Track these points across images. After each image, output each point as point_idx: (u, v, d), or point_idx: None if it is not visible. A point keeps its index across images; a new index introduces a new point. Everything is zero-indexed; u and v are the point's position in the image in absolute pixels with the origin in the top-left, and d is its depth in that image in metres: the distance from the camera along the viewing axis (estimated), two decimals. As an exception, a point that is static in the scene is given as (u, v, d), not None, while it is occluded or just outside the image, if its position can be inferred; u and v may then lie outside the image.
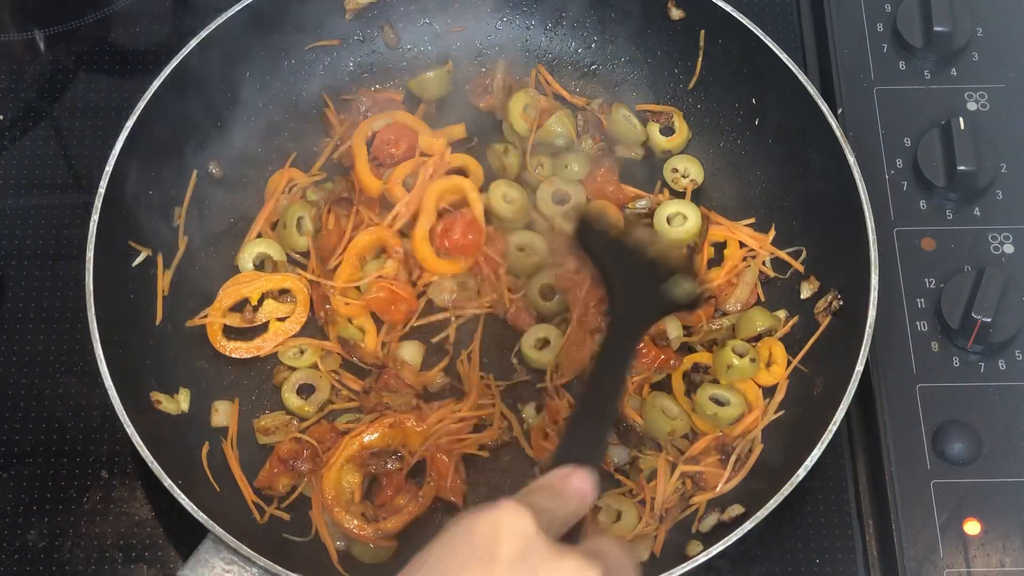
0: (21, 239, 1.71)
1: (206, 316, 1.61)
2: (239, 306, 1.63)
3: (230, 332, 1.62)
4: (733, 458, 1.53)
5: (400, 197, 1.65)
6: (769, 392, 1.58)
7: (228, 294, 1.63)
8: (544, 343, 1.61)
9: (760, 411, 1.57)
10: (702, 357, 1.61)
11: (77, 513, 1.56)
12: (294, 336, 1.62)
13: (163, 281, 1.62)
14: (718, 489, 1.52)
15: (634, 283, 1.40)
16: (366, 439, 1.53)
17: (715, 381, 1.58)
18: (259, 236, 1.67)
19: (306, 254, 1.66)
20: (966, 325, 1.56)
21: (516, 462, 1.57)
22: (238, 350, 1.61)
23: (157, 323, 1.60)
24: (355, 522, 1.49)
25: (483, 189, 1.69)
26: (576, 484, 1.11)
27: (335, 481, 1.51)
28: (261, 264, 1.65)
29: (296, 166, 1.72)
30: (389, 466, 1.52)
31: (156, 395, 1.53)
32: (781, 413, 1.56)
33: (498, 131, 1.75)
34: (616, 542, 1.11)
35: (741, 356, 1.57)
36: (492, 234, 1.66)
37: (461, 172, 1.69)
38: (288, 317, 1.63)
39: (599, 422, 1.22)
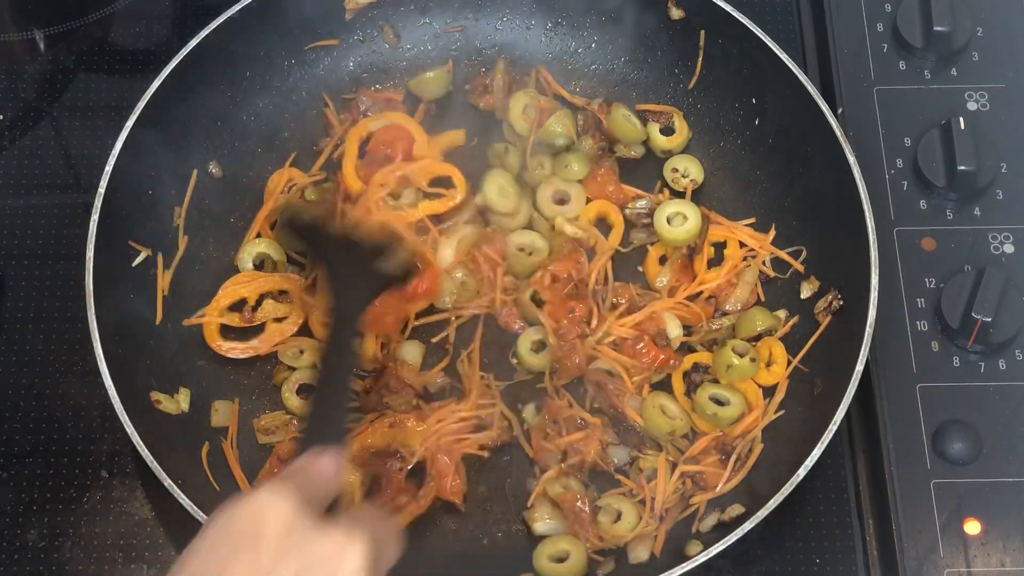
0: (21, 239, 1.71)
1: (203, 315, 1.61)
2: (238, 306, 1.63)
3: (228, 332, 1.62)
4: (733, 458, 1.53)
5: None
6: (769, 392, 1.58)
7: (226, 294, 1.63)
8: (539, 346, 1.61)
9: (760, 411, 1.57)
10: (702, 357, 1.61)
11: (77, 513, 1.56)
12: (293, 336, 1.62)
13: (163, 281, 1.62)
14: (718, 489, 1.52)
15: (346, 265, 1.46)
16: (367, 440, 1.53)
17: (715, 381, 1.58)
18: (259, 236, 1.67)
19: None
20: (966, 325, 1.56)
21: (516, 462, 1.58)
22: (234, 350, 1.61)
23: (157, 323, 1.60)
24: None
25: (481, 190, 1.69)
26: (325, 463, 1.15)
27: None
28: (261, 264, 1.66)
29: (296, 166, 1.73)
30: (389, 467, 1.52)
31: (156, 395, 1.53)
32: (781, 413, 1.56)
33: (498, 131, 1.75)
34: (377, 511, 1.14)
35: (741, 356, 1.57)
36: (492, 234, 1.66)
37: (446, 181, 1.69)
38: (286, 317, 1.63)
39: (336, 404, 1.29)
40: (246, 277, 1.64)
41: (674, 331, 1.61)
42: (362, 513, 1.13)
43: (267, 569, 0.99)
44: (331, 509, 1.14)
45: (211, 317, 1.61)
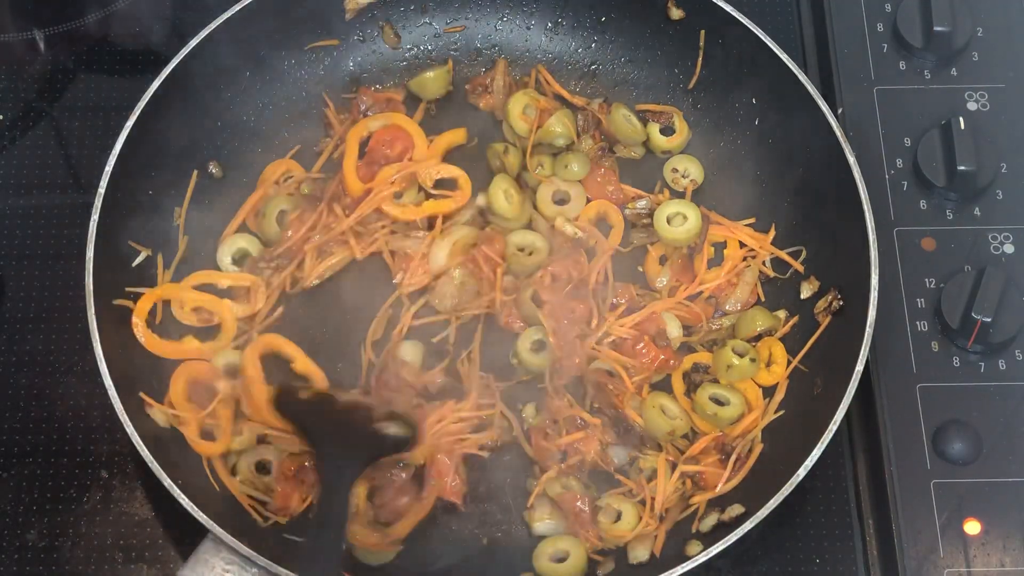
0: (21, 239, 1.71)
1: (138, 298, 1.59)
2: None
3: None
4: (733, 458, 1.53)
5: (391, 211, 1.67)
6: (769, 392, 1.58)
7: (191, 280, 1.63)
8: (539, 346, 1.61)
9: (760, 411, 1.57)
10: (702, 357, 1.61)
11: (77, 513, 1.56)
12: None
13: (163, 280, 1.62)
14: (718, 489, 1.52)
15: (339, 436, 1.50)
16: None
17: (715, 381, 1.58)
18: (241, 228, 1.67)
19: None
20: (966, 325, 1.56)
21: (516, 462, 1.57)
22: (158, 346, 1.58)
23: (157, 323, 1.60)
24: (363, 532, 1.49)
25: (480, 190, 1.69)
26: None
27: None
28: (241, 259, 1.65)
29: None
30: (393, 478, 1.52)
31: (148, 400, 1.52)
32: (781, 413, 1.56)
33: (498, 131, 1.75)
34: None
35: (741, 356, 1.57)
36: (490, 234, 1.66)
37: (451, 183, 1.70)
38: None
39: (330, 547, 1.39)
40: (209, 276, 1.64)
41: (674, 331, 1.61)
42: None
43: None
44: None
45: (142, 304, 1.59)
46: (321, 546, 1.38)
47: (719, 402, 1.56)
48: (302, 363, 1.60)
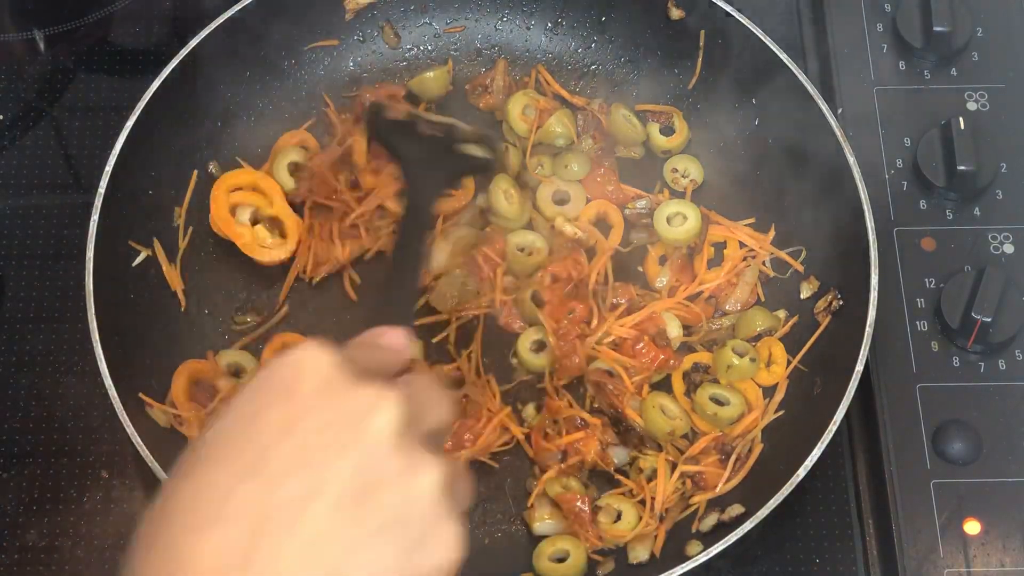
0: (21, 239, 1.71)
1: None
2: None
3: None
4: (733, 458, 1.53)
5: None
6: (769, 392, 1.58)
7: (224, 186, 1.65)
8: (539, 346, 1.61)
9: (760, 411, 1.56)
10: (702, 357, 1.61)
11: (77, 513, 1.56)
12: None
13: (173, 275, 1.62)
14: (718, 489, 1.52)
15: (424, 156, 1.55)
16: None
17: (715, 381, 1.58)
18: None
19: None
20: (966, 325, 1.56)
21: (516, 462, 1.57)
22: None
23: (183, 309, 1.61)
24: None
25: (481, 190, 1.69)
26: (389, 338, 1.16)
27: None
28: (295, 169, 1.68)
29: (296, 165, 1.73)
30: None
31: (148, 400, 1.52)
32: (781, 413, 1.56)
33: (498, 131, 1.75)
34: (429, 377, 1.14)
35: (741, 356, 1.57)
36: (490, 235, 1.66)
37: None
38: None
39: (407, 289, 1.33)
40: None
41: (674, 331, 1.61)
42: (414, 377, 1.12)
43: (297, 418, 0.99)
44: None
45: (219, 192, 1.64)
46: (397, 282, 1.33)
47: (719, 402, 1.56)
48: None
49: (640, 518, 1.52)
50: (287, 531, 0.94)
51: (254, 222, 1.65)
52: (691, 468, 1.53)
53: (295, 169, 1.68)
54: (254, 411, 1.01)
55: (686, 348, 1.62)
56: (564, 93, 1.76)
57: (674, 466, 1.54)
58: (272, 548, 0.93)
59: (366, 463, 0.98)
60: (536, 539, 1.52)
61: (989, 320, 1.55)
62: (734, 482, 1.52)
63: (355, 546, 0.96)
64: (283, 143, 1.71)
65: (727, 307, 1.64)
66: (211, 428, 1.03)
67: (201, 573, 0.93)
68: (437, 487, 1.00)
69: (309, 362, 1.02)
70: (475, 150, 1.59)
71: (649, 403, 1.56)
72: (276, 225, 1.66)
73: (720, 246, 1.67)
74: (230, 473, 0.97)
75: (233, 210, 1.64)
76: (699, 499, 1.52)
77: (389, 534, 0.97)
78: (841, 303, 1.58)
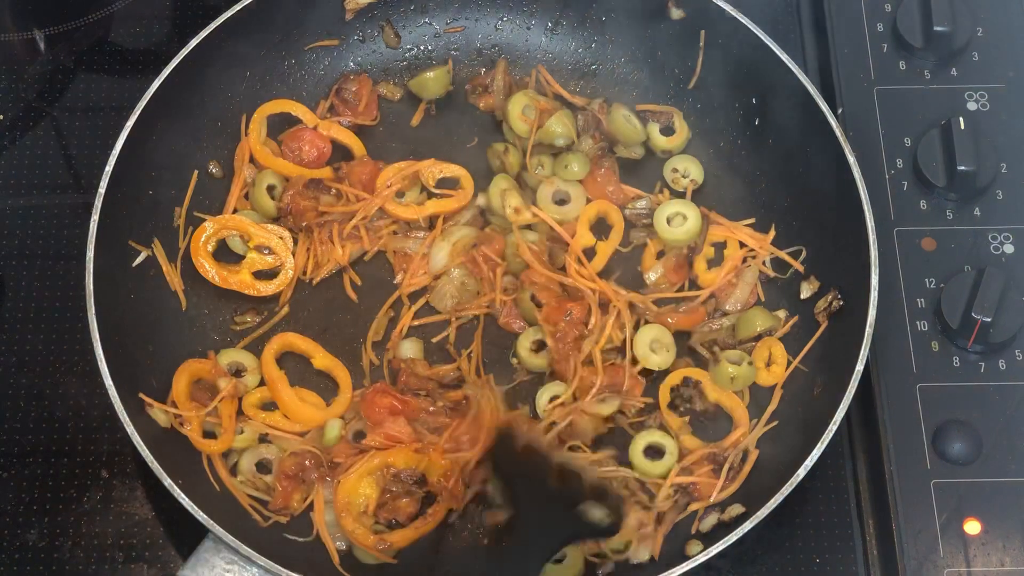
0: (21, 239, 1.71)
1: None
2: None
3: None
4: (726, 468, 1.52)
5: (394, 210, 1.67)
6: (764, 400, 1.58)
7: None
8: (539, 346, 1.61)
9: (746, 427, 1.56)
10: (692, 372, 1.59)
11: (77, 513, 1.56)
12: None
13: (173, 275, 1.62)
14: (712, 498, 1.51)
15: (543, 502, 1.39)
16: (390, 458, 1.52)
17: (692, 409, 1.58)
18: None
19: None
20: (966, 325, 1.56)
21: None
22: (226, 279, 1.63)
23: (183, 309, 1.61)
24: (361, 531, 1.49)
25: (481, 190, 1.69)
26: None
27: (351, 489, 1.50)
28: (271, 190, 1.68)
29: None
30: (405, 491, 1.52)
31: (149, 400, 1.52)
32: (775, 423, 1.56)
33: (498, 131, 1.75)
34: None
35: (739, 364, 1.57)
36: (492, 234, 1.66)
37: (453, 182, 1.70)
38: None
39: None
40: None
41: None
42: None
43: None
44: None
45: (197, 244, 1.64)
46: None
47: (658, 452, 1.55)
48: (322, 359, 1.60)
49: (639, 521, 1.51)
50: None
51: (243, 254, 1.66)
52: (684, 479, 1.53)
53: (272, 191, 1.68)
54: None
55: (686, 349, 1.62)
56: (564, 93, 1.76)
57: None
58: None
59: None
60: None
61: (989, 320, 1.55)
62: (728, 491, 1.52)
63: None
64: (261, 114, 1.71)
65: (727, 307, 1.64)
66: None
67: None
68: None
69: None
70: (597, 512, 1.39)
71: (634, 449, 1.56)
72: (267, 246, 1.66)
73: (720, 246, 1.67)
74: None
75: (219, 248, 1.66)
76: (696, 506, 1.52)
77: None
78: (841, 303, 1.58)
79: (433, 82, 1.76)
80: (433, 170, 1.70)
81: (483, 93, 1.76)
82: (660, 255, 1.67)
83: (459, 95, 1.78)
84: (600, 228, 1.69)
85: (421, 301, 1.64)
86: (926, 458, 1.53)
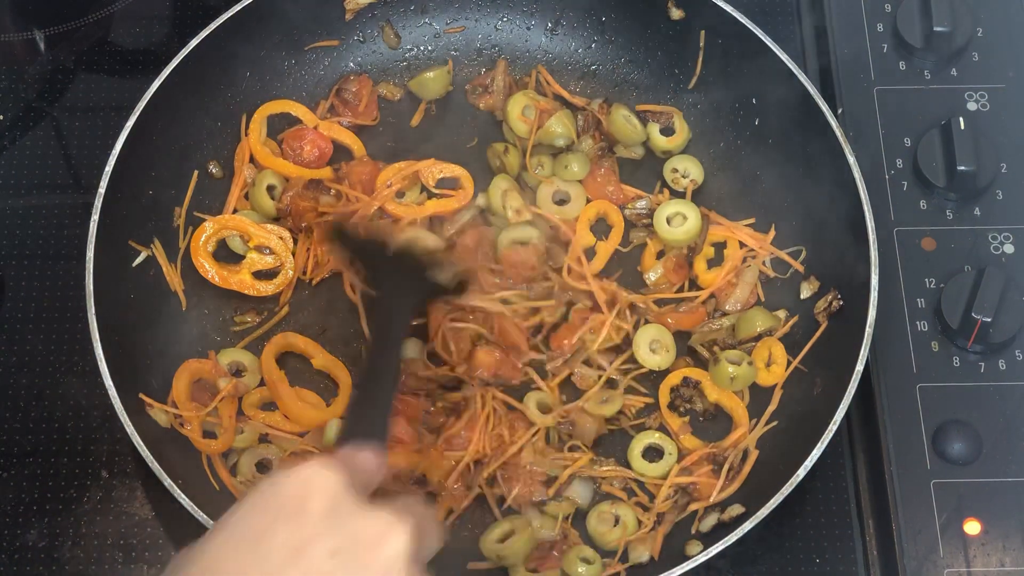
0: (21, 239, 1.71)
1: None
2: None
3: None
4: (726, 468, 1.52)
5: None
6: (764, 401, 1.57)
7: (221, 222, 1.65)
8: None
9: (745, 428, 1.56)
10: (692, 372, 1.59)
11: (77, 513, 1.56)
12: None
13: (173, 275, 1.62)
14: (712, 499, 1.51)
15: (393, 272, 1.48)
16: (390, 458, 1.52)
17: (693, 409, 1.58)
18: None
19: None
20: (966, 325, 1.56)
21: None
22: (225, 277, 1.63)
23: (183, 309, 1.61)
24: None
25: (481, 190, 1.69)
26: (365, 458, 1.15)
27: None
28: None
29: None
30: (405, 491, 1.52)
31: (149, 400, 1.52)
32: (775, 423, 1.56)
33: (498, 131, 1.75)
34: (422, 502, 1.12)
35: (738, 364, 1.57)
36: (489, 233, 1.66)
37: (453, 182, 1.70)
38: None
39: (378, 403, 1.29)
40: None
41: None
42: (407, 500, 1.10)
43: (308, 541, 0.97)
44: (374, 496, 1.12)
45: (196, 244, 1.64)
46: (370, 398, 1.30)
47: (658, 453, 1.56)
48: (322, 359, 1.60)
49: (638, 522, 1.52)
50: None
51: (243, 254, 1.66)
52: (683, 480, 1.53)
53: (272, 191, 1.68)
54: (260, 529, 0.98)
55: (686, 349, 1.62)
56: (564, 93, 1.76)
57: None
58: None
59: None
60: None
61: (989, 320, 1.55)
62: (729, 491, 1.52)
63: None
64: (261, 114, 1.71)
65: (727, 307, 1.64)
66: (209, 540, 0.99)
67: None
68: None
69: (318, 481, 1.00)
70: (444, 273, 1.51)
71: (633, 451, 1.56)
72: (266, 246, 1.66)
73: (720, 246, 1.67)
74: None
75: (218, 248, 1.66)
76: (696, 506, 1.52)
77: None
78: (841, 303, 1.58)
79: (433, 82, 1.76)
80: (433, 170, 1.70)
81: (483, 93, 1.76)
82: (660, 255, 1.67)
83: (459, 95, 1.78)
84: (600, 228, 1.69)
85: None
86: (926, 458, 1.53)
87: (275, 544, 0.97)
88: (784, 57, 1.64)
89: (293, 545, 0.96)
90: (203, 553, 0.98)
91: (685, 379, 1.59)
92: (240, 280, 1.63)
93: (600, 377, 1.58)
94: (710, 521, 1.50)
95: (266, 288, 1.64)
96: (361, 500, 1.02)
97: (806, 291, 1.62)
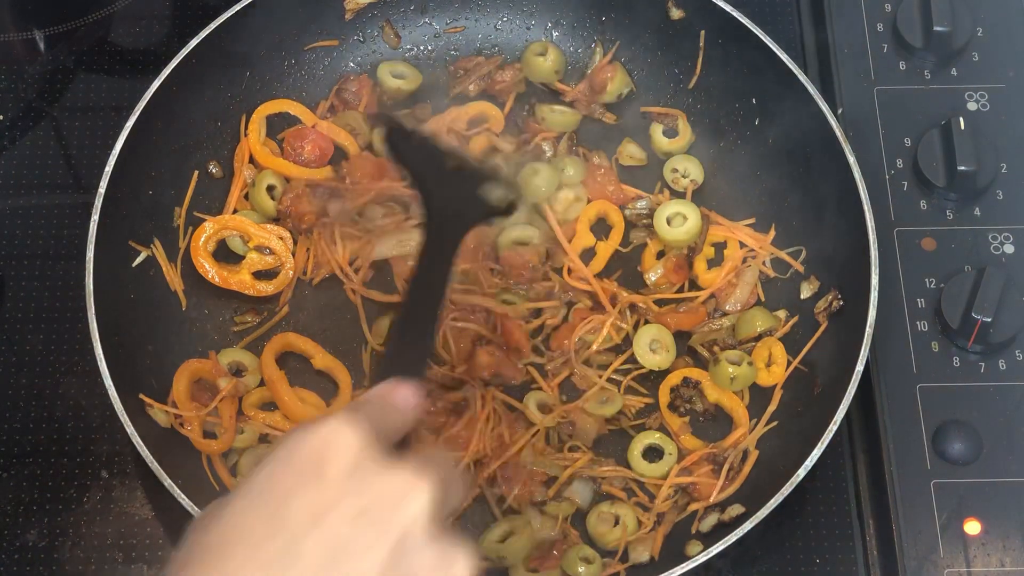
0: (21, 239, 1.71)
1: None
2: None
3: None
4: (726, 468, 1.52)
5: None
6: (763, 402, 1.57)
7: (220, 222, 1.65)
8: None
9: (745, 428, 1.56)
10: (692, 372, 1.59)
11: (77, 513, 1.56)
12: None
13: (173, 275, 1.62)
14: (712, 499, 1.52)
15: (446, 189, 1.38)
16: None
17: (692, 409, 1.58)
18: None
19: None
20: (966, 325, 1.56)
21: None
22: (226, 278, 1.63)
23: (183, 309, 1.61)
24: None
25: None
26: (402, 396, 1.10)
27: None
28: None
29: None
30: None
31: (148, 400, 1.52)
32: (774, 424, 1.56)
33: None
34: (446, 455, 1.09)
35: (738, 364, 1.57)
36: (489, 233, 1.66)
37: (480, 119, 1.72)
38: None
39: (421, 335, 1.21)
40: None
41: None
42: (432, 453, 1.08)
43: (328, 505, 0.95)
44: (401, 445, 1.09)
45: (196, 243, 1.64)
46: (412, 330, 1.21)
47: (658, 453, 1.55)
48: (322, 359, 1.60)
49: (638, 522, 1.52)
50: None
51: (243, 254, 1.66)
52: (683, 480, 1.53)
53: (272, 191, 1.67)
54: (280, 493, 0.96)
55: (686, 348, 1.62)
56: (563, 89, 1.76)
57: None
58: None
59: (400, 557, 0.95)
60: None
61: (989, 320, 1.55)
62: (728, 492, 1.52)
63: None
64: (260, 113, 1.71)
65: (727, 307, 1.64)
66: (227, 505, 0.97)
67: None
68: None
69: (338, 440, 0.98)
70: (497, 193, 1.42)
71: (633, 452, 1.56)
72: (266, 247, 1.66)
73: (720, 246, 1.67)
74: (256, 565, 0.92)
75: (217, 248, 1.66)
76: (696, 507, 1.52)
77: None
78: (841, 303, 1.58)
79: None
80: (461, 116, 1.71)
81: (464, 79, 1.76)
82: (660, 255, 1.67)
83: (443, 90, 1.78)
84: (600, 228, 1.69)
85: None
86: (926, 458, 1.53)
87: (293, 509, 0.95)
88: (784, 57, 1.64)
89: (313, 510, 0.95)
90: (220, 519, 0.96)
91: (685, 379, 1.59)
92: (240, 280, 1.63)
93: (600, 377, 1.58)
94: (710, 521, 1.50)
95: (266, 288, 1.64)
96: (383, 454, 0.99)
97: (806, 291, 1.62)
